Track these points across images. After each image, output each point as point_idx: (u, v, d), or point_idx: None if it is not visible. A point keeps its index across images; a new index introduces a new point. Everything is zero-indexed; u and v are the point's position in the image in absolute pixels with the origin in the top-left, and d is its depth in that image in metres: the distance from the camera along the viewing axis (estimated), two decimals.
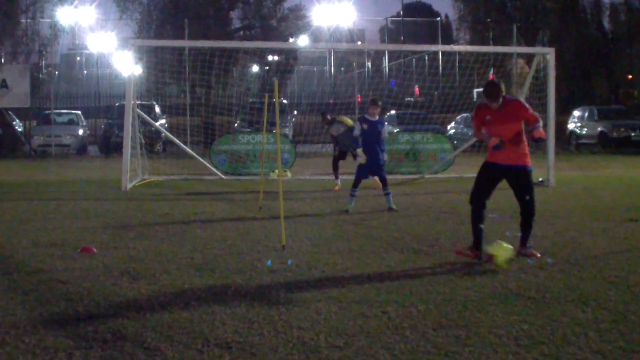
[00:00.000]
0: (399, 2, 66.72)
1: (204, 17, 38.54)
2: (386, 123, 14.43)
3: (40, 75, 43.27)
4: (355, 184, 13.99)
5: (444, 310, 6.77)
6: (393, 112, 36.43)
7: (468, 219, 9.95)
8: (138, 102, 20.82)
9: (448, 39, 53.75)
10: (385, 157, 14.12)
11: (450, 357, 5.52)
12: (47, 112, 35.88)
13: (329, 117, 18.91)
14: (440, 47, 36.70)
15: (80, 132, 35.23)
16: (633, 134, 33.64)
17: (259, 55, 36.83)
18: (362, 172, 14.00)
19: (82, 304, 6.99)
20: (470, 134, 29.39)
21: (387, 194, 14.07)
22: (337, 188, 18.06)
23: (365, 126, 13.80)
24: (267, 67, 40.75)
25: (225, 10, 41.06)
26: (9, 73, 33.60)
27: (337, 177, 18.54)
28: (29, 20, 42.23)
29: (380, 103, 14.37)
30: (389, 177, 18.43)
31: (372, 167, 13.94)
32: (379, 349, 5.71)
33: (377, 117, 14.00)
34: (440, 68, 41.82)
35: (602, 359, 5.50)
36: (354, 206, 14.44)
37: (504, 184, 9.78)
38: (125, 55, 31.75)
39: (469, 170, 21.80)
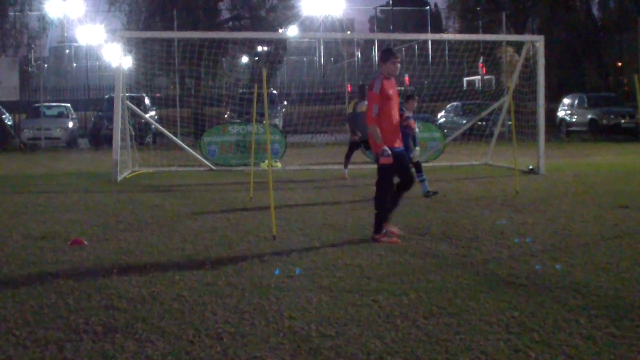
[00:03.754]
0: None
1: (193, 8, 38.42)
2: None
3: (29, 68, 43.23)
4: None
5: (435, 298, 6.78)
6: None
7: (459, 207, 10.00)
8: (127, 94, 20.73)
9: (437, 28, 53.82)
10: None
11: (441, 345, 5.53)
12: (37, 105, 35.74)
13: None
14: (429, 36, 36.76)
15: (70, 124, 35.11)
16: (623, 120, 33.70)
17: (249, 46, 36.77)
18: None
19: (73, 296, 6.97)
20: (463, 121, 29.44)
21: (422, 181, 14.28)
22: (345, 176, 18.04)
23: None
24: (256, 58, 40.68)
25: (214, 1, 40.96)
26: None
27: (346, 166, 18.36)
28: (17, 13, 42.10)
29: (416, 97, 15.12)
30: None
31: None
32: (370, 337, 5.72)
33: (412, 112, 14.45)
34: (430, 57, 41.82)
35: (592, 345, 5.51)
36: (345, 195, 14.52)
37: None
38: (114, 47, 31.66)
39: (459, 159, 21.86)
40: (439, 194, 14.26)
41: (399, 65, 9.86)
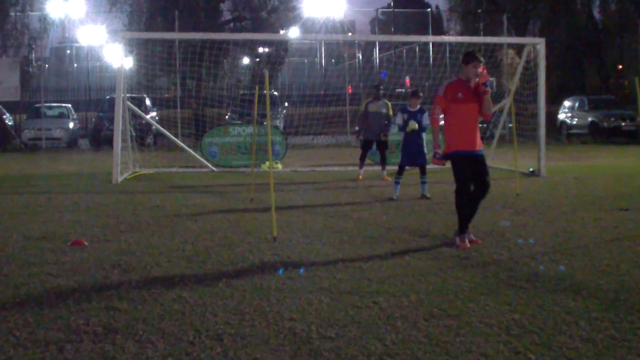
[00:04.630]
0: None
1: (194, 9, 38.45)
2: (426, 111, 14.84)
3: (30, 69, 43.13)
4: (400, 172, 14.54)
5: (435, 300, 6.78)
6: None
7: None
8: (128, 95, 20.73)
9: (438, 30, 53.71)
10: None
11: (441, 347, 5.53)
12: (38, 105, 35.77)
13: (382, 91, 18.50)
14: (430, 38, 36.69)
15: (71, 125, 35.15)
16: (623, 123, 33.72)
17: (250, 47, 36.78)
18: (405, 159, 14.61)
19: (73, 297, 6.97)
20: None
21: (423, 183, 14.52)
22: (360, 177, 18.03)
23: (405, 117, 14.59)
24: (257, 59, 40.68)
25: (215, 2, 40.95)
26: None
27: (361, 167, 18.39)
28: (18, 14, 42.09)
29: (421, 94, 15.18)
30: (380, 167, 18.45)
31: (414, 156, 14.55)
32: (370, 339, 5.72)
33: (417, 107, 14.73)
34: (431, 59, 41.78)
35: (592, 347, 5.51)
36: (346, 197, 14.53)
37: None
38: (115, 48, 31.67)
39: None
40: (439, 197, 14.27)
41: (478, 70, 9.60)
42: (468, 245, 9.30)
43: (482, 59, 9.65)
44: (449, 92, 9.56)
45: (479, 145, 9.64)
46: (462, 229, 9.50)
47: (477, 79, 9.55)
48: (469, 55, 9.68)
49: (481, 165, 9.59)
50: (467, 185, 9.52)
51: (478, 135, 9.68)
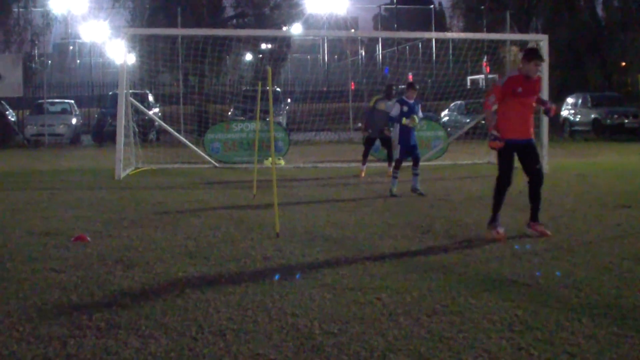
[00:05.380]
0: None
1: (197, 6, 38.41)
2: (420, 103, 14.97)
3: (33, 65, 43.16)
4: (397, 166, 14.54)
5: (438, 296, 6.78)
6: None
7: (461, 205, 10.00)
8: (131, 91, 20.74)
9: (441, 27, 53.73)
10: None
11: (444, 343, 5.53)
12: (40, 101, 35.77)
13: (394, 91, 18.60)
14: (433, 35, 36.79)
15: (74, 121, 35.14)
16: (626, 120, 33.65)
17: (253, 44, 36.75)
18: (404, 154, 14.65)
19: (76, 292, 6.98)
20: (467, 120, 29.39)
21: (415, 175, 14.48)
22: (362, 174, 18.03)
23: (405, 108, 14.51)
24: (260, 55, 40.67)
25: None
26: (2, 62, 33.42)
27: (364, 163, 18.39)
28: (21, 10, 42.12)
29: (417, 87, 15.25)
30: (385, 164, 18.44)
31: (408, 147, 14.51)
32: (373, 335, 5.72)
33: (413, 100, 14.74)
34: (434, 55, 41.81)
35: (595, 344, 5.51)
36: (349, 193, 14.54)
37: None
38: (118, 44, 31.68)
39: (462, 158, 21.84)
40: (442, 194, 14.27)
41: (539, 68, 9.92)
42: (503, 233, 9.55)
43: (544, 57, 9.75)
44: (508, 85, 9.73)
45: (530, 134, 9.88)
46: (495, 217, 9.70)
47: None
48: (532, 52, 9.87)
49: (530, 153, 9.85)
50: (509, 175, 9.80)
51: (531, 125, 9.92)
